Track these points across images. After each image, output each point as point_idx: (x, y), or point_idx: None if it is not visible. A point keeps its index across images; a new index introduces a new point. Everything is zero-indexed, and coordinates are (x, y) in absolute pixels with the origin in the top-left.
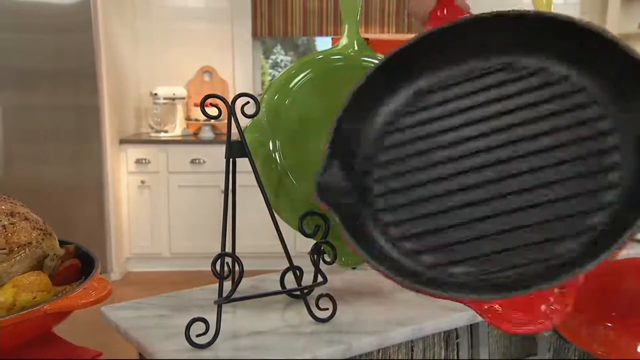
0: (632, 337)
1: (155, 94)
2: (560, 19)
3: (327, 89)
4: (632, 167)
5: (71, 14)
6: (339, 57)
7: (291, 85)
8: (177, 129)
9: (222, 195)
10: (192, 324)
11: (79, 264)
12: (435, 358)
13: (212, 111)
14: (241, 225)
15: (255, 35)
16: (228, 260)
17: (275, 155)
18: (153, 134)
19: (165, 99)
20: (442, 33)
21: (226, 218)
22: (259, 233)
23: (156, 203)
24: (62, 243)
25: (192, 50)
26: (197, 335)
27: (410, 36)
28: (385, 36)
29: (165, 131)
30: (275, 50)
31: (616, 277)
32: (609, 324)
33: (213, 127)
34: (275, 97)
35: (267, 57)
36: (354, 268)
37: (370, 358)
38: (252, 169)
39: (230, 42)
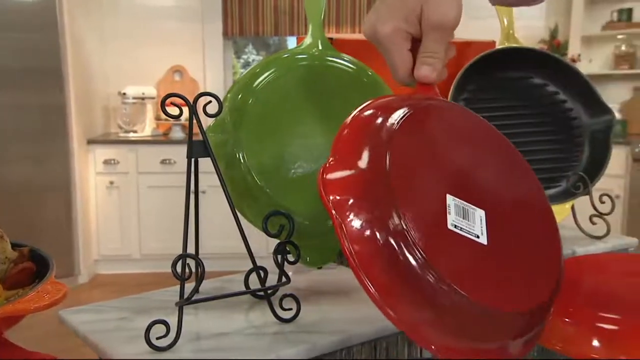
0: (588, 331)
1: (124, 94)
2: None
3: (292, 88)
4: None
5: (36, 11)
6: (303, 56)
7: (255, 84)
8: (146, 129)
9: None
10: (152, 327)
11: (34, 267)
12: (399, 356)
13: (176, 110)
14: (211, 226)
15: (226, 34)
16: (192, 261)
17: (238, 155)
18: (122, 134)
19: (134, 98)
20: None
21: (188, 219)
22: (229, 234)
23: (125, 204)
24: (16, 245)
25: (162, 49)
26: (158, 338)
27: None
28: (355, 36)
29: (135, 131)
30: (246, 50)
31: (574, 274)
32: (567, 319)
33: (183, 127)
34: (239, 96)
35: (238, 57)
36: (319, 268)
37: (333, 358)
38: (215, 168)
39: (200, 42)
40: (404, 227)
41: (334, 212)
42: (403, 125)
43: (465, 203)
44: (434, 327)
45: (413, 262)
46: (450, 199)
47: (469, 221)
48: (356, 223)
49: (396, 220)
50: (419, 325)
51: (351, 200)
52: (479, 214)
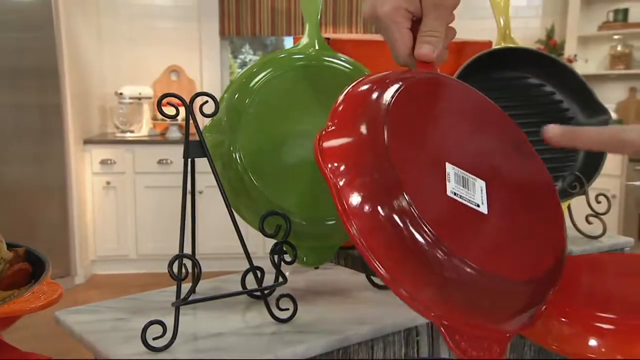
0: (585, 331)
1: (121, 94)
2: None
3: (289, 88)
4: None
5: (32, 11)
6: (300, 56)
7: (252, 84)
8: (143, 128)
9: (190, 196)
10: (148, 327)
11: (29, 267)
12: (396, 356)
13: (173, 110)
14: (208, 227)
15: (223, 34)
16: (188, 262)
17: (235, 155)
18: (119, 134)
19: (131, 98)
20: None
21: (184, 219)
22: (226, 234)
23: (122, 204)
24: (12, 246)
25: (159, 49)
26: (154, 338)
27: (378, 36)
28: (352, 36)
29: (132, 131)
30: (243, 50)
31: (571, 273)
32: (563, 319)
33: (180, 127)
34: (236, 96)
35: (235, 57)
36: (316, 268)
37: (330, 358)
38: (211, 168)
39: (197, 41)
40: (408, 202)
41: (331, 177)
42: (401, 95)
43: (464, 172)
44: (442, 300)
45: (420, 238)
46: (449, 167)
47: (468, 190)
48: (355, 198)
49: (400, 197)
50: (429, 300)
51: (349, 169)
52: (479, 184)
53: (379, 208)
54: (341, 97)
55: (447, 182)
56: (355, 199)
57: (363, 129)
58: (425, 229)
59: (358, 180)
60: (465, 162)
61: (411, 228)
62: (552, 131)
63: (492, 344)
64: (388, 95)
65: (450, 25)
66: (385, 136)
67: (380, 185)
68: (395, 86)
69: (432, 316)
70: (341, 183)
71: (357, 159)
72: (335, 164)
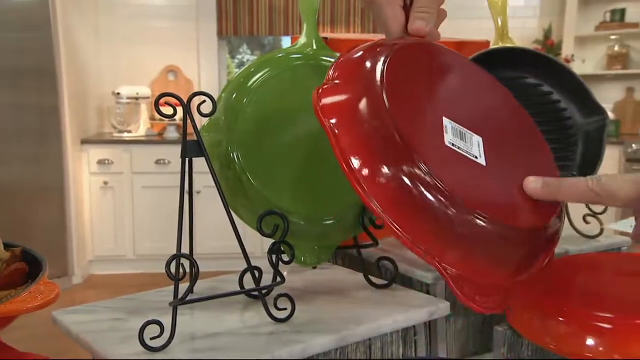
0: (582, 330)
1: (118, 93)
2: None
3: (286, 87)
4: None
5: (29, 10)
6: (298, 55)
7: (249, 83)
8: (141, 128)
9: (187, 195)
10: (145, 327)
11: (26, 267)
12: (393, 356)
13: (170, 110)
14: (206, 227)
15: (220, 34)
16: (186, 262)
17: (233, 155)
18: (116, 134)
19: (128, 98)
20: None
21: (181, 218)
22: (225, 234)
23: (120, 204)
24: (9, 246)
25: (157, 48)
26: (152, 338)
27: (375, 35)
28: (350, 36)
29: (129, 131)
30: (241, 50)
31: (568, 272)
32: (561, 318)
33: (178, 127)
34: (233, 95)
35: (233, 57)
36: (314, 267)
37: (328, 357)
38: (209, 168)
39: (195, 41)
40: (419, 164)
41: (333, 132)
42: (396, 55)
43: (461, 127)
44: (440, 244)
45: (430, 197)
46: (446, 121)
47: (466, 142)
48: (357, 158)
49: (411, 162)
50: (430, 244)
51: (351, 128)
52: (476, 139)
53: (385, 167)
54: (337, 60)
55: (445, 134)
56: (357, 158)
57: (361, 87)
58: (439, 186)
59: (358, 135)
60: (461, 118)
61: (422, 188)
62: (534, 184)
63: (497, 290)
64: (383, 56)
65: (442, 7)
66: (386, 101)
67: (381, 138)
68: (388, 49)
69: (426, 255)
70: (342, 139)
71: (355, 115)
72: (334, 120)
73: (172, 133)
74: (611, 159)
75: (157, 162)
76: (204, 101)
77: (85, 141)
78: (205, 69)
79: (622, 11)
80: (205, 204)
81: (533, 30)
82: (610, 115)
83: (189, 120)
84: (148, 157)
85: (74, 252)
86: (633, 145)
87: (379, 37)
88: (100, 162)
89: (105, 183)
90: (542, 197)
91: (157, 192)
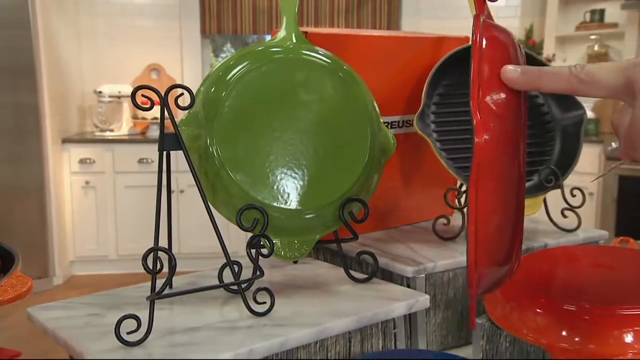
0: (559, 322)
1: (100, 92)
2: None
3: (266, 81)
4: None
5: (8, 8)
6: (278, 49)
7: (229, 77)
8: (123, 127)
9: (171, 195)
10: (122, 321)
11: None
12: (373, 349)
13: (147, 103)
14: (190, 226)
15: (204, 32)
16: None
17: (212, 149)
18: (98, 133)
19: (110, 97)
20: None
21: (159, 212)
22: (208, 233)
23: (102, 204)
24: None
25: (139, 47)
26: (128, 333)
27: (358, 31)
28: (330, 30)
29: (111, 130)
30: (225, 48)
31: (546, 265)
32: (539, 310)
33: None
34: (212, 89)
35: (216, 55)
36: (295, 262)
37: (308, 350)
38: (187, 162)
39: (178, 40)
40: None
41: None
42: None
43: None
44: None
45: None
46: None
47: None
48: None
49: None
50: None
51: None
52: None
53: None
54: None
55: None
56: None
57: None
58: None
59: None
60: None
61: None
62: (512, 73)
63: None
64: None
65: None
66: None
67: None
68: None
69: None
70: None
71: None
72: None
73: (155, 132)
74: (591, 157)
75: (140, 161)
76: (182, 94)
77: (66, 140)
78: (189, 68)
79: (602, 12)
80: (189, 203)
81: (515, 30)
82: (591, 114)
83: (166, 113)
84: (131, 156)
85: (55, 253)
86: (613, 143)
87: (361, 32)
88: (82, 161)
89: (87, 183)
90: (522, 86)
91: (140, 191)
